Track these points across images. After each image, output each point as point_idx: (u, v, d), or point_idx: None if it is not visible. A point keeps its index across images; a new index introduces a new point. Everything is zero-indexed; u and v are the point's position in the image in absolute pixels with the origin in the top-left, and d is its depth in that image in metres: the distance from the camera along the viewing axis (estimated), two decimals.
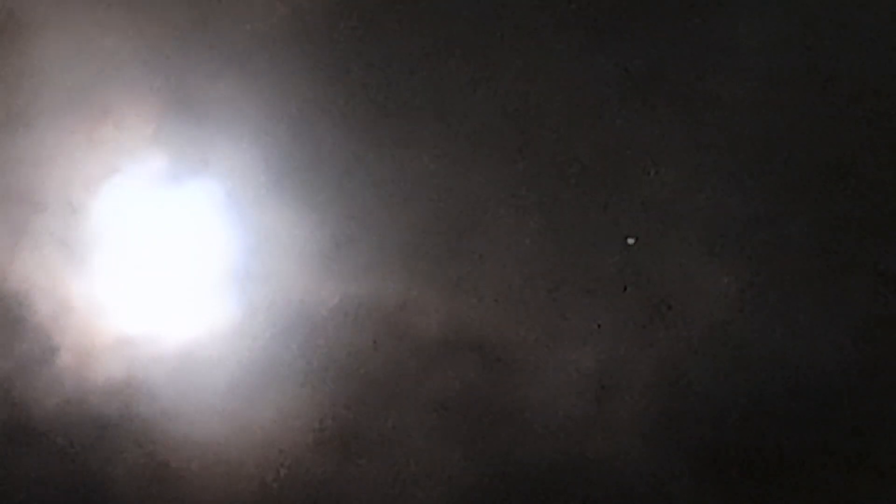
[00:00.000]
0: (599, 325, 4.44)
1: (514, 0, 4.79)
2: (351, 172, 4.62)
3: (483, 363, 4.45)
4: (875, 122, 4.65)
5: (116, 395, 4.44)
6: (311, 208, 4.59)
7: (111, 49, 4.68)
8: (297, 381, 4.46)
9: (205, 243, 4.59)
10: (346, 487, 4.36)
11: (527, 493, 4.33)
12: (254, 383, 4.46)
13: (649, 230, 4.53)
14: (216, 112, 4.68)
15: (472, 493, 4.35)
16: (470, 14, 4.78)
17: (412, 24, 4.76)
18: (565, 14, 4.79)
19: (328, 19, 4.78)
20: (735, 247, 4.52)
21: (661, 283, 4.48)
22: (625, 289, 4.47)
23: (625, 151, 4.62)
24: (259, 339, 4.49)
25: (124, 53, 4.68)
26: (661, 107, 4.66)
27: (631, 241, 4.50)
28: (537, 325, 4.46)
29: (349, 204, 4.59)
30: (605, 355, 4.42)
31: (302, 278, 4.53)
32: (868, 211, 4.54)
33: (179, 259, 4.57)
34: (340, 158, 4.64)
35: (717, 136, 4.64)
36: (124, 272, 4.57)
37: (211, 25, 4.75)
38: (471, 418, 4.42)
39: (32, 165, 4.65)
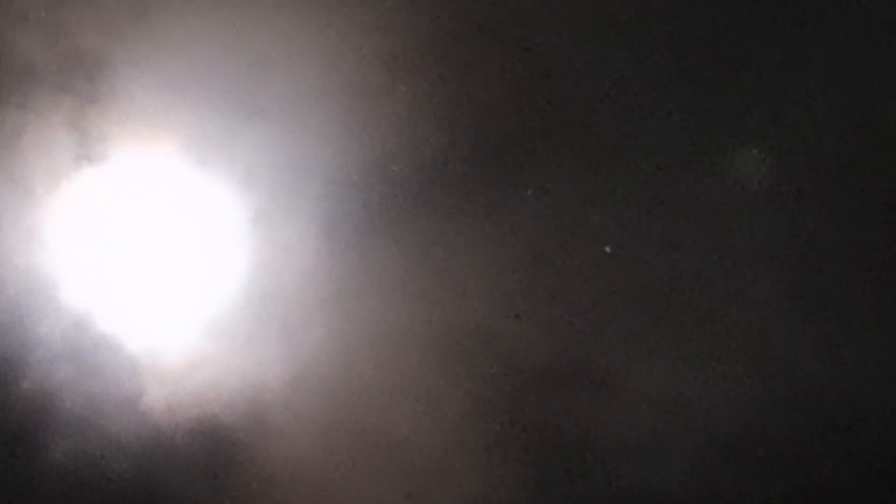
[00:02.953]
0: (676, 355, 4.53)
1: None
2: (456, 210, 4.67)
3: (579, 392, 4.57)
4: None
5: (208, 433, 4.53)
6: (415, 249, 4.67)
7: (200, 89, 4.73)
8: (407, 406, 4.55)
9: (297, 283, 4.65)
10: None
11: None
12: (363, 413, 4.57)
13: (728, 262, 4.57)
14: (309, 156, 4.73)
15: None
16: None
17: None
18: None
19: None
20: (812, 283, 4.44)
21: (740, 313, 4.53)
22: (704, 319, 4.57)
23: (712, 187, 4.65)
24: (361, 369, 4.57)
25: (214, 93, 4.73)
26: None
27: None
28: (626, 354, 4.56)
29: (452, 240, 4.65)
30: (682, 385, 4.53)
31: (406, 311, 4.63)
32: None
33: (271, 299, 4.62)
34: (450, 202, 4.66)
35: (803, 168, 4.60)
36: (211, 312, 4.57)
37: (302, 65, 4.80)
38: (549, 443, 4.55)
39: (113, 202, 4.66)
